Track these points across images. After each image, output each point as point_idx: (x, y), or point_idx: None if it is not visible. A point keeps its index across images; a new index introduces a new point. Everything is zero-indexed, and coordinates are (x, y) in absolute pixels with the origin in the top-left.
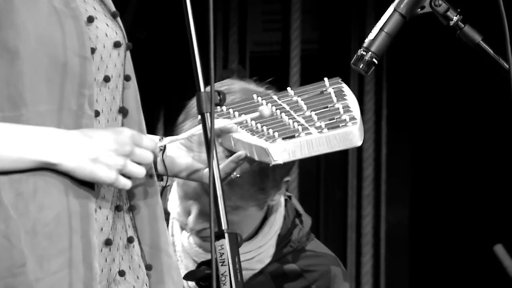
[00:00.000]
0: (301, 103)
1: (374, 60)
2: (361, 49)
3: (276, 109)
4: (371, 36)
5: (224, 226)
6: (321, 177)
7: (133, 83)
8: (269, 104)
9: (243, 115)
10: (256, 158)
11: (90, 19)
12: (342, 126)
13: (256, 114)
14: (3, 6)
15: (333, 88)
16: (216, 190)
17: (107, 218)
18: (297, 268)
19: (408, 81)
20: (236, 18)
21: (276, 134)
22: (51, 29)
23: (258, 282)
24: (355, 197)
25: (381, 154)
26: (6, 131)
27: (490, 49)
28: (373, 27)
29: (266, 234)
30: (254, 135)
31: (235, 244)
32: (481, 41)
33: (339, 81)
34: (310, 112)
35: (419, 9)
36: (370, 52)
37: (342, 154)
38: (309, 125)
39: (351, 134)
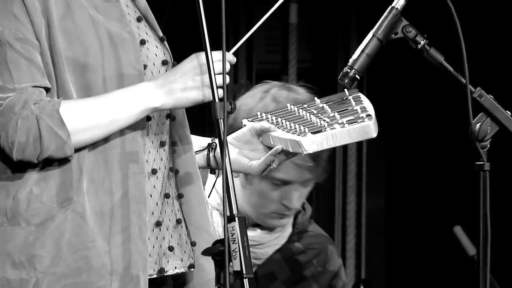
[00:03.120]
0: (326, 107)
1: (356, 76)
2: (346, 67)
3: (306, 112)
4: (354, 56)
5: (235, 211)
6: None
7: None
8: (300, 110)
9: (279, 118)
10: (291, 150)
11: (143, 42)
12: (360, 121)
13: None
14: (74, 31)
15: (352, 96)
16: (228, 183)
17: (156, 204)
18: (301, 246)
19: (384, 94)
20: (245, 42)
21: (307, 129)
22: (114, 48)
23: (271, 259)
24: (341, 188)
25: (362, 152)
26: (109, 98)
27: (451, 67)
28: (356, 49)
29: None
30: (288, 132)
31: (244, 226)
32: (443, 61)
33: (357, 91)
34: (334, 113)
35: (393, 35)
36: (353, 70)
37: (331, 153)
38: (333, 122)
39: (368, 127)
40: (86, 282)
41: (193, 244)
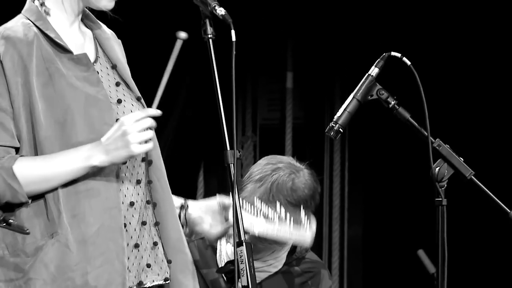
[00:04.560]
0: (283, 210)
1: (340, 129)
2: (332, 123)
3: (268, 207)
4: (338, 114)
5: (243, 238)
6: None
7: (155, 142)
8: (263, 204)
9: (246, 203)
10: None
11: (119, 101)
12: (302, 231)
13: None
14: (54, 96)
15: (305, 211)
16: (237, 216)
17: (135, 230)
18: (299, 270)
19: (362, 144)
20: (250, 103)
21: (262, 217)
22: (89, 108)
23: (275, 278)
24: (328, 219)
25: (344, 190)
26: (57, 158)
27: (415, 122)
28: (340, 108)
29: (282, 250)
30: (248, 213)
31: (250, 250)
32: (409, 117)
33: (309, 210)
34: (287, 216)
35: (370, 97)
36: (337, 124)
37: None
38: (282, 221)
39: (305, 237)
40: None
41: (169, 261)
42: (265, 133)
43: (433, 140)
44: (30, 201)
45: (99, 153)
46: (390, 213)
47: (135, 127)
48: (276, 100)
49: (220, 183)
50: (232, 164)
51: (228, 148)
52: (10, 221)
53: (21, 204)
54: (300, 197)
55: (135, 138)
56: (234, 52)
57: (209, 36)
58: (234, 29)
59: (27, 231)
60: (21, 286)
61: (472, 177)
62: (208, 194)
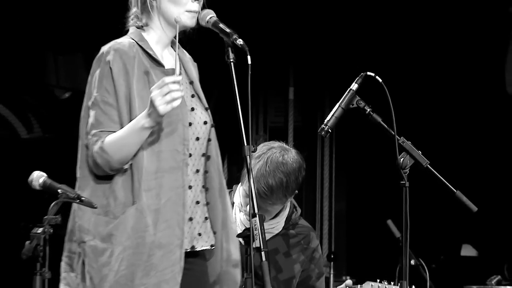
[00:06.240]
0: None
1: (329, 130)
2: (323, 125)
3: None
4: (327, 118)
5: (256, 211)
6: (303, 188)
7: (214, 142)
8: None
9: None
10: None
11: (192, 109)
12: None
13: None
14: (147, 97)
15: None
16: (252, 194)
17: (190, 207)
18: (294, 232)
19: (346, 141)
20: (262, 110)
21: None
22: (172, 111)
23: (276, 239)
24: (320, 197)
25: (332, 175)
26: (126, 128)
27: (385, 124)
28: (328, 114)
29: (281, 216)
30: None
31: (262, 220)
32: (381, 121)
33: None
34: None
35: (351, 105)
36: (327, 126)
37: (313, 177)
38: None
39: None
40: (142, 252)
41: (214, 232)
42: (273, 132)
43: (399, 138)
44: (125, 167)
45: (145, 118)
46: (367, 192)
47: (157, 93)
48: (281, 108)
49: (239, 170)
50: (248, 156)
51: (245, 144)
52: (82, 198)
53: (119, 170)
54: (289, 169)
55: (159, 101)
56: (250, 72)
57: (231, 60)
58: (249, 55)
59: (95, 206)
60: (105, 238)
61: (428, 165)
62: (230, 178)
